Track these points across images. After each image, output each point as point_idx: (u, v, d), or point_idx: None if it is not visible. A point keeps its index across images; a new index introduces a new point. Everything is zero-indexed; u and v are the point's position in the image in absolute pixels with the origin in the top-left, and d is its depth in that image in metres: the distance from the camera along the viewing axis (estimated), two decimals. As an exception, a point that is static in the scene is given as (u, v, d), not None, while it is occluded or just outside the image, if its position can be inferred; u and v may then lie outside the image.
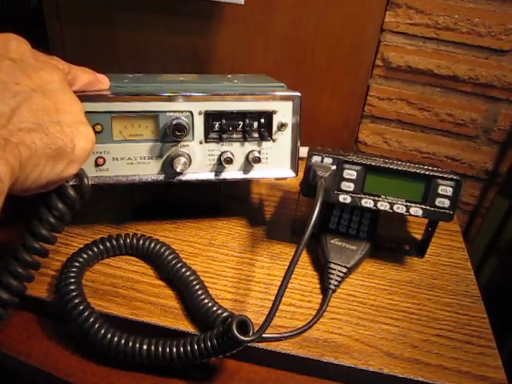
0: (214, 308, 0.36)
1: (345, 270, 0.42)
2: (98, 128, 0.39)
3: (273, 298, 0.34)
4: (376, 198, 0.43)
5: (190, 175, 0.43)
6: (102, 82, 0.39)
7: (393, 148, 0.67)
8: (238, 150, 0.43)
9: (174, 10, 0.63)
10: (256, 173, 0.44)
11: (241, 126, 0.42)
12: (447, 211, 0.42)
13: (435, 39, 0.58)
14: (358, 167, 0.42)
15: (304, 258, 0.46)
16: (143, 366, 0.34)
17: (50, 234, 0.38)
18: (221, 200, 0.52)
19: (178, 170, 0.41)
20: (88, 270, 0.41)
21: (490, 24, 0.55)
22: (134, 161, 0.41)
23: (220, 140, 0.42)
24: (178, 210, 0.51)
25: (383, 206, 0.43)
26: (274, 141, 0.44)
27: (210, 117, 0.41)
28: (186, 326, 0.37)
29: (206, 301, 0.37)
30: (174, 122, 0.40)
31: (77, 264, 0.39)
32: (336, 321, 0.39)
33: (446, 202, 0.42)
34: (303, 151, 0.44)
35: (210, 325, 0.35)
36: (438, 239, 0.51)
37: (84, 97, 0.39)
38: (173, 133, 0.40)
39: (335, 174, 0.42)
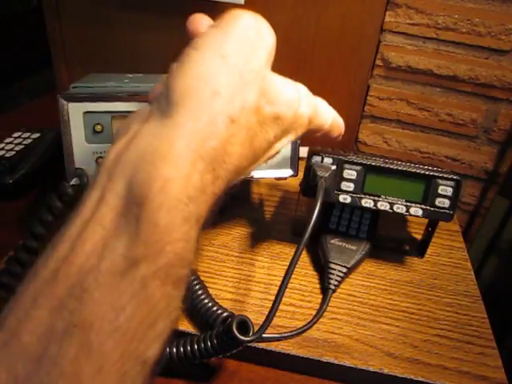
0: (214, 308, 0.36)
1: (345, 269, 0.42)
2: (98, 128, 0.39)
3: (273, 298, 0.34)
4: (376, 198, 0.43)
5: (190, 175, 0.43)
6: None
7: (393, 148, 0.67)
8: (238, 150, 0.43)
9: (174, 10, 0.63)
10: (256, 173, 0.44)
11: (241, 126, 0.42)
12: (447, 211, 0.42)
13: (435, 39, 0.58)
14: (358, 167, 0.42)
15: (304, 258, 0.46)
16: (143, 366, 0.34)
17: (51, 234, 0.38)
18: (221, 200, 0.52)
19: (178, 169, 0.41)
20: (88, 269, 0.41)
21: (490, 24, 0.55)
22: (134, 161, 0.41)
23: (220, 140, 0.42)
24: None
25: (383, 206, 0.43)
26: (274, 141, 0.44)
27: (210, 117, 0.41)
28: (186, 326, 0.37)
29: (206, 301, 0.37)
30: (174, 122, 0.40)
31: (77, 264, 0.39)
32: (336, 321, 0.39)
33: (446, 202, 0.42)
34: (303, 151, 0.43)
35: (210, 325, 0.35)
36: (438, 239, 0.51)
37: (84, 97, 0.39)
38: (173, 133, 0.40)
39: (335, 173, 0.42)
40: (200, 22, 0.26)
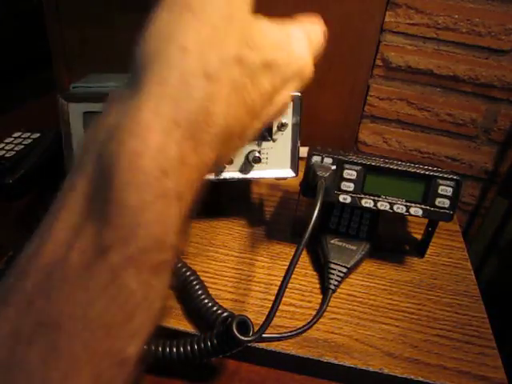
0: (214, 308, 0.36)
1: (345, 270, 0.42)
2: (98, 128, 0.39)
3: (273, 298, 0.34)
4: (376, 198, 0.43)
5: (189, 175, 0.43)
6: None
7: (393, 148, 0.67)
8: (237, 150, 0.43)
9: (174, 10, 0.63)
10: (256, 173, 0.44)
11: (241, 126, 0.42)
12: (447, 211, 0.42)
13: (435, 39, 0.58)
14: (358, 167, 0.42)
15: (304, 258, 0.46)
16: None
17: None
18: (221, 200, 0.52)
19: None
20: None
21: (490, 24, 0.55)
22: (134, 161, 0.41)
23: (220, 140, 0.42)
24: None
25: (383, 206, 0.43)
26: (274, 141, 0.44)
27: (210, 117, 0.41)
28: (185, 326, 0.37)
29: (206, 301, 0.37)
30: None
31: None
32: (336, 321, 0.39)
33: (446, 202, 0.42)
34: (303, 151, 0.44)
35: (210, 325, 0.35)
36: (438, 239, 0.51)
37: (84, 97, 0.39)
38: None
39: (335, 173, 0.42)
40: None
